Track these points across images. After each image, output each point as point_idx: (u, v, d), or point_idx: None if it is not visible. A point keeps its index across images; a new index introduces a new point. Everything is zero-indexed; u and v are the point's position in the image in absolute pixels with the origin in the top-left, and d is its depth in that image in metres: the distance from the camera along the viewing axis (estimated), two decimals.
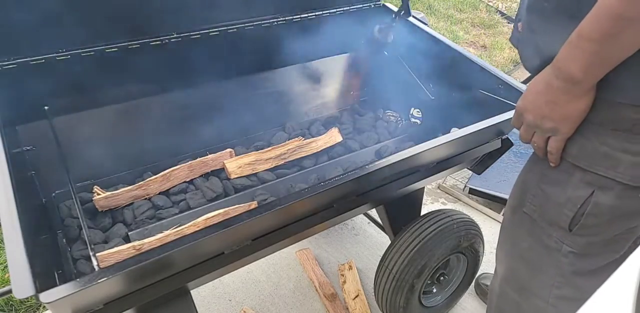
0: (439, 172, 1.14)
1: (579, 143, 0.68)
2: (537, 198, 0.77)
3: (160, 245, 0.72)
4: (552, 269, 0.78)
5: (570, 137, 0.68)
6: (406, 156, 0.93)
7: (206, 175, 1.32)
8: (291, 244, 1.02)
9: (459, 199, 2.08)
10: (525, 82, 0.73)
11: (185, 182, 1.27)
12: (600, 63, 0.58)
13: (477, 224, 1.32)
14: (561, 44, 0.62)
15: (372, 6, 1.57)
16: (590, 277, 0.76)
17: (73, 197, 1.02)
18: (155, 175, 1.24)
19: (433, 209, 1.32)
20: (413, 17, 1.48)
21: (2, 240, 1.67)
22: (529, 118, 0.70)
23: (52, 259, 0.89)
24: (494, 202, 1.93)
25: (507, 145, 1.22)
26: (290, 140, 1.41)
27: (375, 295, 1.33)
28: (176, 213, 1.19)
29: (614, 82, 0.61)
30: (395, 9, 1.55)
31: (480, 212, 1.97)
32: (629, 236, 0.73)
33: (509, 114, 1.06)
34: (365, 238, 1.84)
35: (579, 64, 0.59)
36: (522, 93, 0.76)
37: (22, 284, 0.61)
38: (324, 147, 1.43)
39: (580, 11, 0.58)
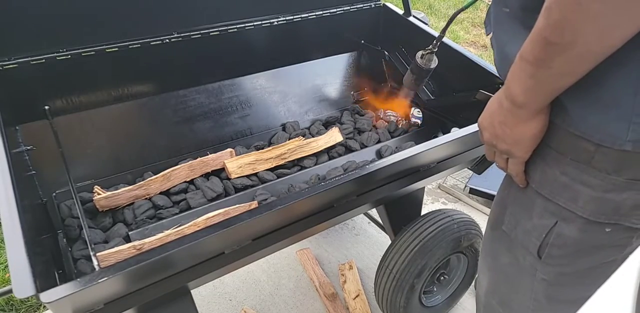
0: (439, 172, 1.14)
1: (540, 169, 0.63)
2: (512, 217, 0.73)
3: (161, 245, 0.72)
4: (528, 291, 0.74)
5: (533, 161, 0.64)
6: (406, 156, 0.93)
7: (206, 175, 1.32)
8: (291, 244, 1.02)
9: (459, 199, 2.08)
10: None
11: (185, 181, 1.27)
12: (538, 88, 0.54)
13: (477, 224, 1.32)
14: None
15: (372, 6, 1.57)
16: (570, 305, 0.70)
17: (73, 196, 1.03)
18: (155, 175, 1.24)
19: (433, 209, 1.32)
20: (413, 16, 1.48)
21: (2, 240, 1.67)
22: (486, 136, 0.66)
23: (52, 259, 0.90)
24: None
25: None
26: (291, 140, 1.41)
27: (375, 294, 1.33)
28: (176, 213, 1.19)
29: (570, 111, 0.56)
30: (396, 9, 1.55)
31: (481, 211, 1.97)
32: (606, 270, 0.66)
33: None
34: (365, 238, 1.84)
35: (520, 86, 0.55)
36: None
37: (22, 284, 0.61)
38: (324, 147, 1.42)
39: (532, 20, 0.52)
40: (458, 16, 1.14)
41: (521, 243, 0.71)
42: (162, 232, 1.04)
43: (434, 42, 1.14)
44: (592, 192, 0.58)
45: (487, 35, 0.75)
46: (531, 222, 0.68)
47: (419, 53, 1.18)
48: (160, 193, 1.24)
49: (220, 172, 1.33)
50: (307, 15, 1.46)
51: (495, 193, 0.81)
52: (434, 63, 1.19)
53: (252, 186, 1.29)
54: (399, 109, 1.65)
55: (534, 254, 0.69)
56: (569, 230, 0.63)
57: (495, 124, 0.62)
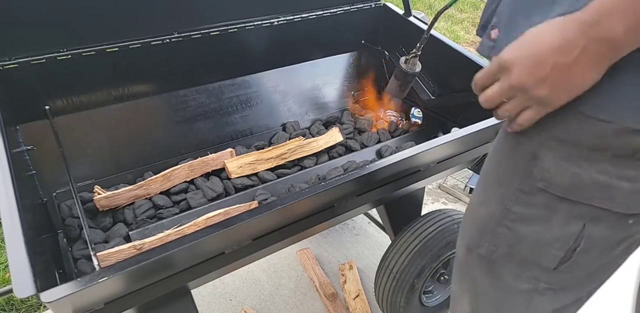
0: (440, 172, 1.14)
1: (571, 173, 0.56)
2: (501, 238, 0.66)
3: (161, 245, 0.72)
4: (521, 307, 0.68)
5: (559, 164, 0.57)
6: (406, 156, 0.93)
7: (207, 175, 1.32)
8: (291, 244, 1.02)
9: (459, 199, 2.08)
10: None
11: (185, 181, 1.27)
12: None
13: None
14: None
15: (372, 6, 1.57)
16: (571, 306, 0.67)
17: (74, 196, 1.03)
18: (155, 174, 1.24)
19: (433, 209, 1.32)
20: (414, 16, 1.48)
21: (2, 240, 1.67)
22: (517, 78, 0.52)
23: (52, 259, 0.90)
24: None
25: None
26: (291, 140, 1.41)
27: (375, 294, 1.33)
28: (177, 213, 1.19)
29: (623, 104, 0.50)
30: (396, 9, 1.55)
31: None
32: (614, 265, 0.63)
33: None
34: (365, 238, 1.84)
35: (626, 21, 0.44)
36: None
37: (23, 284, 0.61)
38: (325, 147, 1.43)
39: None
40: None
41: (521, 260, 0.65)
42: (163, 231, 1.04)
43: (418, 45, 1.12)
44: (631, 185, 0.54)
45: (494, 37, 0.68)
46: (550, 234, 0.61)
47: (403, 58, 1.16)
48: (161, 193, 1.24)
49: (220, 172, 1.33)
50: (307, 15, 1.46)
51: None
52: (418, 67, 1.17)
53: (252, 186, 1.30)
54: (399, 108, 1.65)
55: (547, 267, 0.63)
56: (597, 230, 0.59)
57: (547, 64, 0.50)
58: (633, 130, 0.50)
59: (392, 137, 1.54)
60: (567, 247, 0.60)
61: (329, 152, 1.46)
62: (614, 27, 0.45)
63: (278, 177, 1.34)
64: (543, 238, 0.62)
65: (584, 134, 0.54)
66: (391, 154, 0.96)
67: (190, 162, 1.29)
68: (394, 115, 1.65)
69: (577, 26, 0.48)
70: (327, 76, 1.64)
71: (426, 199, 2.05)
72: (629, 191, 0.55)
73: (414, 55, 1.14)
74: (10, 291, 0.81)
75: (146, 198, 1.22)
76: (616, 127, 0.51)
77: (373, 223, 1.76)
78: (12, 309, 1.55)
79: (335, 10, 1.51)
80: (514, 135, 0.63)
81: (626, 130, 0.51)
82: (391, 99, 1.65)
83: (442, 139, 0.99)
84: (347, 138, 1.50)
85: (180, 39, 1.26)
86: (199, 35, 1.29)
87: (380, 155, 1.46)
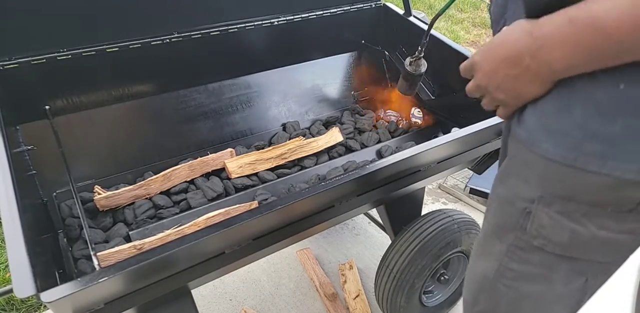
0: (440, 172, 1.14)
1: (569, 230, 0.53)
2: (501, 295, 0.63)
3: (161, 245, 0.72)
4: None
5: (555, 221, 0.54)
6: (406, 156, 0.93)
7: (207, 175, 1.32)
8: (292, 244, 1.02)
9: (459, 199, 2.08)
10: None
11: (186, 181, 1.27)
12: (598, 60, 0.44)
13: (478, 224, 1.32)
14: None
15: (373, 6, 1.57)
16: None
17: (74, 196, 1.03)
18: (156, 174, 1.24)
19: (434, 209, 1.32)
20: (414, 16, 1.48)
21: (3, 240, 1.68)
22: (481, 80, 0.57)
23: (53, 259, 0.90)
24: None
25: None
26: (291, 140, 1.41)
27: (375, 294, 1.33)
28: (177, 213, 1.19)
29: (620, 156, 0.47)
30: (396, 9, 1.55)
31: (481, 212, 1.97)
32: None
33: None
34: (365, 238, 1.84)
35: (567, 53, 0.45)
36: None
37: (23, 284, 0.61)
38: (325, 147, 1.43)
39: None
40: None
41: None
42: (163, 231, 1.04)
43: (419, 48, 1.14)
44: (634, 237, 0.52)
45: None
46: (554, 293, 0.59)
47: (407, 60, 1.18)
48: (161, 193, 1.24)
49: (220, 172, 1.33)
50: (307, 15, 1.46)
51: None
52: (424, 67, 1.19)
53: (253, 186, 1.30)
54: (399, 108, 1.65)
55: None
56: (600, 283, 0.55)
57: (502, 73, 0.52)
58: (633, 182, 0.47)
59: (392, 137, 1.54)
60: (573, 302, 0.58)
61: (329, 152, 1.46)
62: (556, 54, 0.46)
63: (278, 177, 1.34)
64: (546, 297, 0.59)
65: (581, 188, 0.51)
66: (391, 154, 0.96)
67: (190, 162, 1.29)
68: (394, 115, 1.65)
69: (526, 40, 0.48)
70: (327, 76, 1.64)
71: (426, 199, 2.05)
72: (632, 243, 0.52)
73: (417, 57, 1.16)
74: (11, 291, 0.81)
75: (146, 198, 1.22)
76: (614, 181, 0.48)
77: (373, 223, 1.76)
78: (12, 309, 1.55)
79: (335, 10, 1.51)
80: (506, 187, 0.61)
81: (622, 184, 0.48)
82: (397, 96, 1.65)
83: (442, 139, 0.99)
84: (347, 138, 1.50)
85: (180, 39, 1.26)
86: (199, 35, 1.29)
87: (380, 155, 1.46)
